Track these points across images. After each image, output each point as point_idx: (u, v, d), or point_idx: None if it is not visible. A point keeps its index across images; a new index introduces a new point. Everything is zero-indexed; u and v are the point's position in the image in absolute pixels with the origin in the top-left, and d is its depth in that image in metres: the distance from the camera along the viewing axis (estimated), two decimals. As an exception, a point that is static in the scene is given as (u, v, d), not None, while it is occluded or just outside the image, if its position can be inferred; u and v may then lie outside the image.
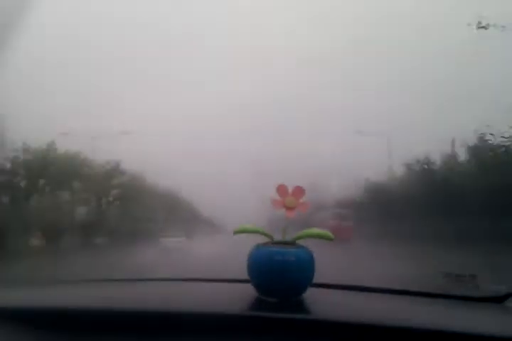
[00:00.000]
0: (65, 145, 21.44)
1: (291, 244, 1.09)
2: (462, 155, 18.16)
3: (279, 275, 1.02)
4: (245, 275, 1.11)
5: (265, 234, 1.12)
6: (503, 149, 14.20)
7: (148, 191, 27.09)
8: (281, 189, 1.12)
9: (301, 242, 1.11)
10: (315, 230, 1.13)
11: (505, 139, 13.40)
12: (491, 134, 14.23)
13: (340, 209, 24.49)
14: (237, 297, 1.16)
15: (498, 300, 1.23)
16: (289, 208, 1.11)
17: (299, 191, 1.13)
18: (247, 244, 1.14)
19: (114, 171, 26.22)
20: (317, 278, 1.11)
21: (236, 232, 1.16)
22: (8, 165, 20.28)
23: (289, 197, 1.12)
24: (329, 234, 1.11)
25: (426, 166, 20.84)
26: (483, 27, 10.37)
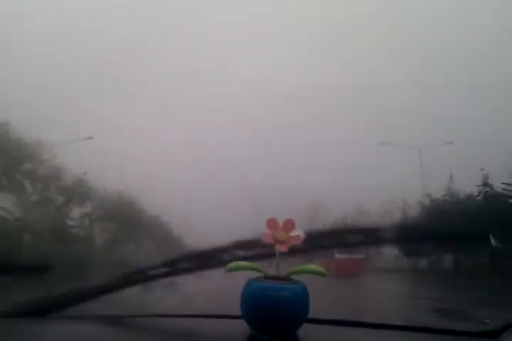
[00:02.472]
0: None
1: (285, 279, 1.09)
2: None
3: (273, 311, 1.00)
4: (238, 311, 1.10)
5: (258, 270, 1.12)
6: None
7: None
8: (271, 223, 1.12)
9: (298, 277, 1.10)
10: (308, 266, 1.12)
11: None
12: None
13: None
14: (229, 334, 1.15)
15: (493, 334, 1.22)
16: (279, 242, 1.10)
17: (290, 224, 1.11)
18: (240, 278, 1.13)
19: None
20: (319, 314, 1.09)
21: (227, 270, 1.13)
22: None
23: (279, 230, 1.11)
24: (322, 270, 1.10)
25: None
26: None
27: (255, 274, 1.11)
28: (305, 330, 1.07)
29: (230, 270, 1.13)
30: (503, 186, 16.42)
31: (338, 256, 20.66)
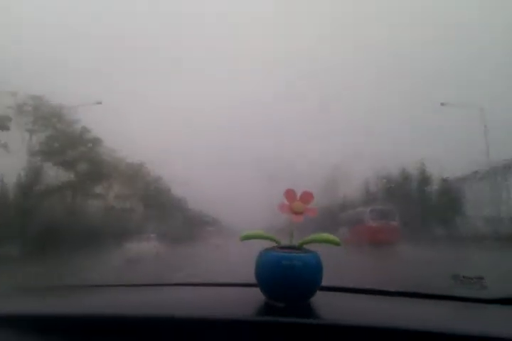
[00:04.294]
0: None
1: (299, 248, 1.10)
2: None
3: (287, 280, 1.02)
4: (254, 280, 1.12)
5: (271, 239, 1.13)
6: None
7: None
8: (289, 193, 1.12)
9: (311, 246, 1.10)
10: (321, 235, 1.13)
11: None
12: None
13: (383, 205, 20.38)
14: (245, 301, 1.17)
15: (507, 301, 1.22)
16: (296, 213, 1.11)
17: (307, 196, 1.12)
18: (253, 248, 1.14)
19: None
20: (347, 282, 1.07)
21: (243, 238, 1.15)
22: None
23: (296, 202, 1.11)
24: (336, 239, 1.11)
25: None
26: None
27: (270, 244, 1.13)
28: (319, 298, 1.09)
29: (244, 238, 1.15)
30: None
31: (371, 222, 18.33)
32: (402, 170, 24.25)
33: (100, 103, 18.63)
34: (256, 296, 1.11)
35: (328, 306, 1.11)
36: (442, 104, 22.22)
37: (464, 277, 1.25)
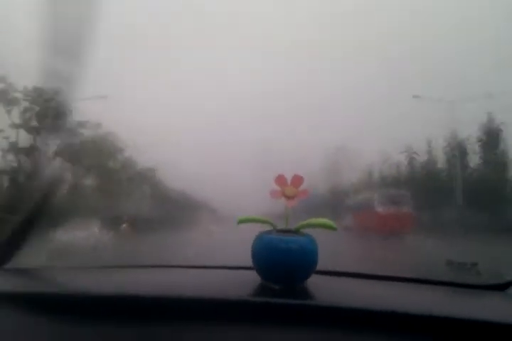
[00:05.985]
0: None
1: (295, 232, 1.11)
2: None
3: (283, 263, 1.03)
4: (250, 263, 1.12)
5: (268, 223, 1.14)
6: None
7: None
8: (280, 179, 1.14)
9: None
10: (317, 219, 1.13)
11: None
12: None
13: (395, 190, 18.30)
14: (241, 283, 1.18)
15: (500, 287, 1.24)
16: (288, 197, 1.13)
17: (298, 179, 1.13)
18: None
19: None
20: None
21: (240, 222, 1.16)
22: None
23: (288, 186, 1.13)
24: (331, 223, 1.11)
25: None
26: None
27: (266, 227, 1.14)
28: (314, 281, 1.11)
29: (241, 222, 1.16)
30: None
31: (380, 209, 16.26)
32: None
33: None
34: (252, 278, 1.12)
35: (322, 289, 1.12)
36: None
37: (458, 263, 1.27)
